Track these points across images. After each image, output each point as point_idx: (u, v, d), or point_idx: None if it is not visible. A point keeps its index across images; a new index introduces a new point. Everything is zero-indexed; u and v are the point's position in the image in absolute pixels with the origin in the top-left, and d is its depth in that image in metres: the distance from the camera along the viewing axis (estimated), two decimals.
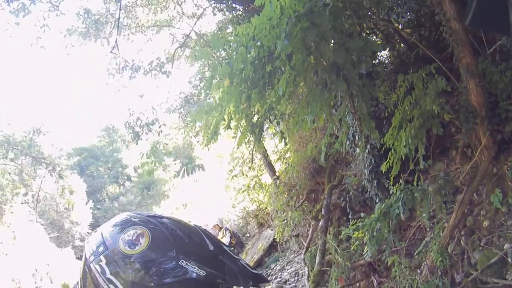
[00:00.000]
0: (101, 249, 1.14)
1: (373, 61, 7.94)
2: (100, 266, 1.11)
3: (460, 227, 6.39)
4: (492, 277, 5.83)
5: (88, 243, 1.22)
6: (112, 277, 1.09)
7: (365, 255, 6.80)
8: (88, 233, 31.17)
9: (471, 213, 6.47)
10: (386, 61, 9.12)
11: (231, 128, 6.72)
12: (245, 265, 1.27)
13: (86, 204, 31.39)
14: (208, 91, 5.86)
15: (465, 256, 6.32)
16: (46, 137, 13.48)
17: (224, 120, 6.31)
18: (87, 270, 1.17)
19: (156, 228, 1.15)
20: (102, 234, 1.20)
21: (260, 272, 1.18)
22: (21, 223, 15.17)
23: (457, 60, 5.98)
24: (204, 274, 1.09)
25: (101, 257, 1.13)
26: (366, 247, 6.48)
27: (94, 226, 32.92)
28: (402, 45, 8.15)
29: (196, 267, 1.09)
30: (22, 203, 13.39)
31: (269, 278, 14.78)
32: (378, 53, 8.68)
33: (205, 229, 1.33)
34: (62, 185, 11.43)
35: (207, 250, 1.17)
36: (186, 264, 1.09)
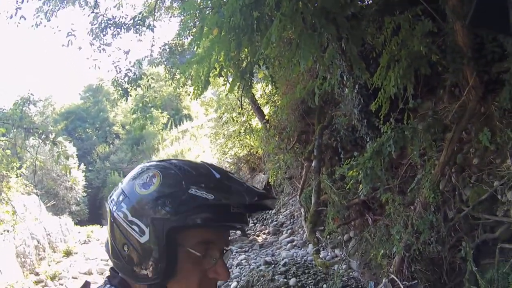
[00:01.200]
0: (121, 198, 1.31)
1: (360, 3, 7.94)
2: (123, 212, 1.28)
3: (450, 164, 6.59)
4: (483, 213, 6.07)
5: (111, 198, 1.35)
6: (134, 219, 1.26)
7: (360, 193, 7.02)
8: (83, 196, 31.49)
9: (461, 151, 6.66)
10: (370, 1, 9.09)
11: (222, 76, 6.81)
12: (252, 186, 1.38)
13: (78, 168, 31.37)
14: (198, 42, 5.88)
15: (456, 193, 6.55)
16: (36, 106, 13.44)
17: (215, 69, 6.39)
18: (113, 221, 1.31)
19: (166, 168, 1.32)
20: (120, 186, 1.35)
21: (264, 192, 1.30)
22: (19, 197, 15.29)
23: (443, 2, 6.04)
24: (212, 198, 1.24)
25: (122, 204, 1.30)
26: (360, 185, 6.68)
27: (88, 187, 33.18)
28: None
29: (205, 193, 1.24)
30: (17, 176, 13.36)
31: (265, 222, 15.14)
32: None
33: (211, 163, 1.42)
34: (58, 151, 11.39)
35: (213, 178, 1.31)
36: (196, 191, 1.24)
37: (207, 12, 6.05)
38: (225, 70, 6.85)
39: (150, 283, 1.30)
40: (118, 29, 13.69)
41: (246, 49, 5.94)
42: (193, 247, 1.28)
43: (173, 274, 1.27)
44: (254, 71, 8.13)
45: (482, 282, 5.58)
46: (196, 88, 6.74)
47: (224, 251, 1.37)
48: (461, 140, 6.59)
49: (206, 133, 25.52)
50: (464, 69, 6.22)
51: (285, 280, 8.72)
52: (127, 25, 13.67)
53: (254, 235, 14.34)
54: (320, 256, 9.53)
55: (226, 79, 6.86)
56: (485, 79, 6.25)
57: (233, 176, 1.40)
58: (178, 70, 13.10)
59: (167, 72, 16.25)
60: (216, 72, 6.42)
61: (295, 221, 13.01)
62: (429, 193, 6.18)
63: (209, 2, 6.19)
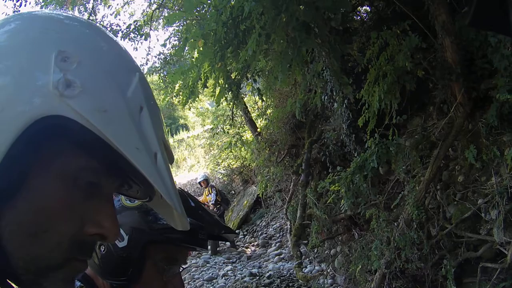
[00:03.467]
0: None
1: (350, 18, 7.93)
2: None
3: (435, 181, 6.50)
4: (466, 231, 5.99)
5: None
6: None
7: (342, 209, 6.96)
8: None
9: (447, 168, 6.58)
10: (366, 18, 9.12)
11: (207, 87, 6.78)
12: (218, 219, 1.60)
13: None
14: (181, 53, 5.92)
15: (440, 210, 6.45)
16: None
17: (201, 80, 6.38)
18: None
19: None
20: None
21: (229, 227, 1.61)
22: None
23: (433, 17, 6.02)
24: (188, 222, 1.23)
25: None
26: (342, 200, 6.62)
27: None
28: (381, 0, 8.13)
29: None
30: None
31: (254, 234, 15.07)
32: (360, 8, 8.69)
33: (187, 191, 1.61)
34: None
35: (189, 205, 1.48)
36: None
37: (195, 24, 6.07)
38: (213, 82, 6.86)
39: (115, 283, 1.45)
40: (115, 36, 13.56)
41: (233, 61, 5.97)
42: (160, 260, 1.44)
43: (138, 279, 1.43)
44: (243, 83, 8.15)
45: None
46: (183, 97, 6.77)
47: (182, 268, 1.55)
48: (447, 157, 6.53)
49: (200, 144, 25.51)
50: (452, 85, 6.15)
51: None
52: (122, 33, 13.69)
53: (243, 246, 14.23)
54: (306, 269, 9.48)
55: (214, 90, 6.85)
56: (473, 95, 6.16)
57: (205, 208, 1.58)
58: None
59: (162, 81, 16.25)
60: (202, 83, 6.41)
61: (284, 234, 12.92)
62: (413, 209, 6.12)
63: (195, 13, 6.21)
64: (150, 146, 0.75)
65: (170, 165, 0.85)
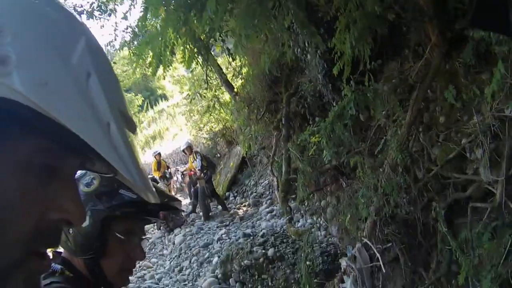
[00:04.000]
0: None
1: None
2: None
3: (417, 124, 6.36)
4: (452, 172, 5.87)
5: None
6: None
7: (325, 159, 6.84)
8: None
9: (427, 110, 6.41)
10: None
11: (175, 54, 6.60)
12: (163, 190, 1.97)
13: None
14: (144, 23, 5.71)
15: (424, 153, 6.32)
16: None
17: (167, 47, 6.17)
18: None
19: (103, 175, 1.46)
20: None
21: (173, 196, 2.26)
22: None
23: None
24: (135, 197, 1.63)
25: None
26: (324, 151, 6.51)
27: None
28: None
29: (130, 193, 1.62)
30: None
31: (245, 195, 15.02)
32: None
33: None
34: None
35: None
36: (124, 192, 1.64)
37: None
38: (181, 47, 6.66)
39: (86, 258, 1.66)
40: (79, 16, 13.21)
41: (199, 24, 5.78)
42: (119, 233, 1.67)
43: (103, 252, 1.66)
44: (213, 45, 7.95)
45: (454, 242, 5.42)
46: (152, 67, 6.61)
47: (142, 239, 1.80)
48: (426, 99, 6.37)
49: (181, 111, 25.21)
50: (426, 27, 5.95)
51: (264, 251, 8.62)
52: (87, 13, 13.30)
53: (235, 208, 14.20)
54: (298, 224, 9.44)
55: (183, 56, 6.66)
56: (448, 36, 5.98)
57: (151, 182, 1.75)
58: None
59: (132, 54, 15.89)
60: (169, 50, 6.20)
61: (273, 191, 12.86)
62: (397, 154, 6.01)
63: None
64: (100, 115, 0.66)
65: (132, 135, 0.77)
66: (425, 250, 6.45)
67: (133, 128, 0.77)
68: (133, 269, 1.80)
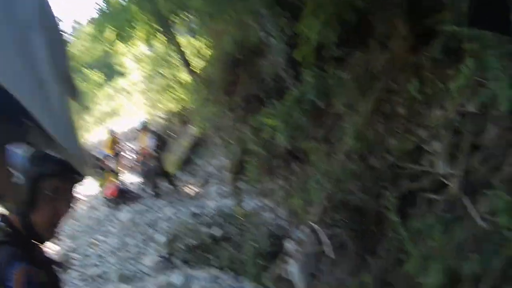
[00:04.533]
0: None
1: None
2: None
3: (377, 114, 6.20)
4: (408, 162, 5.73)
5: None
6: (15, 172, 1.79)
7: (279, 142, 6.62)
8: None
9: (389, 101, 6.21)
10: None
11: (135, 28, 6.25)
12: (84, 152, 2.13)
13: None
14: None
15: (382, 143, 6.15)
16: None
17: (129, 23, 5.88)
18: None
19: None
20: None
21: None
22: None
23: None
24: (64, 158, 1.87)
25: None
26: (279, 134, 6.29)
27: None
28: None
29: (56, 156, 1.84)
30: None
31: (196, 174, 14.69)
32: None
33: None
34: None
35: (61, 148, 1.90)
36: (52, 153, 1.84)
37: None
38: (143, 23, 6.36)
39: (19, 212, 1.82)
40: None
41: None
42: (48, 191, 1.81)
43: (34, 206, 1.80)
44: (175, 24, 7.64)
45: (405, 233, 5.26)
46: (113, 42, 6.31)
47: (70, 196, 1.93)
48: (389, 90, 6.20)
49: (139, 89, 24.67)
50: (394, 18, 5.78)
51: (211, 231, 8.36)
52: None
53: (184, 186, 13.88)
54: (246, 206, 9.20)
55: (144, 32, 6.33)
56: (417, 29, 5.81)
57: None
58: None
59: (96, 31, 15.35)
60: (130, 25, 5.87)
61: (225, 172, 12.59)
62: (354, 141, 5.85)
63: None
64: (39, 74, 0.77)
65: (73, 99, 0.88)
66: (374, 237, 6.31)
67: (74, 94, 0.76)
68: (60, 224, 1.93)
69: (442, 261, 4.83)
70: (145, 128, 14.63)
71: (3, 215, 1.89)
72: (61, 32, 0.66)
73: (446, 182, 5.39)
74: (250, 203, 9.49)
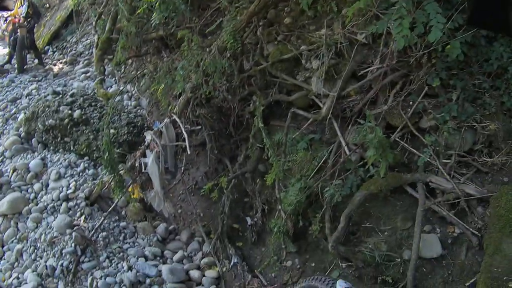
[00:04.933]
0: None
1: None
2: None
3: (259, 16, 5.70)
4: (282, 72, 5.35)
5: None
6: None
7: (153, 23, 6.00)
8: None
9: (275, 7, 5.77)
10: None
11: None
12: None
13: None
14: None
15: (258, 46, 5.78)
16: None
17: None
18: None
19: None
20: None
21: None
22: None
23: None
24: None
25: None
26: (154, 13, 5.67)
27: None
28: None
29: None
30: None
31: (63, 51, 13.61)
32: None
33: None
34: None
35: None
36: None
37: None
38: None
39: None
40: None
41: None
42: None
43: None
44: None
45: (268, 141, 4.88)
46: None
47: None
48: None
49: None
50: None
51: (70, 111, 7.64)
52: None
53: (50, 64, 12.65)
54: (109, 89, 8.55)
55: None
56: None
57: None
58: None
59: None
60: None
61: (93, 52, 11.70)
62: (229, 38, 5.33)
63: None
64: None
65: None
66: (234, 142, 5.99)
67: None
68: None
69: (303, 180, 4.70)
70: None
71: None
72: None
73: (317, 101, 5.09)
74: (114, 87, 8.88)
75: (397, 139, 4.47)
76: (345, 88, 4.76)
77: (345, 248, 4.35)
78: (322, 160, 4.68)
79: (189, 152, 5.48)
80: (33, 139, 7.58)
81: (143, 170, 5.96)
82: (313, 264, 4.79)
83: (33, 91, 9.86)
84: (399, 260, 4.18)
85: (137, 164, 6.06)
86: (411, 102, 4.47)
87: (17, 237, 6.14)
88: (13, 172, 7.06)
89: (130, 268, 5.44)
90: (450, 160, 4.21)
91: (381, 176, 4.14)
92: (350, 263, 4.39)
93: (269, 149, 4.82)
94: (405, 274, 3.99)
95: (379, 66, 4.50)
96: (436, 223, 4.23)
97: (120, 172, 6.05)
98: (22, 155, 7.55)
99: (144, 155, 6.02)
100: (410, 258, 3.98)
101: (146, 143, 6.03)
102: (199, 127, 5.76)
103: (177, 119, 5.54)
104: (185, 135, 5.43)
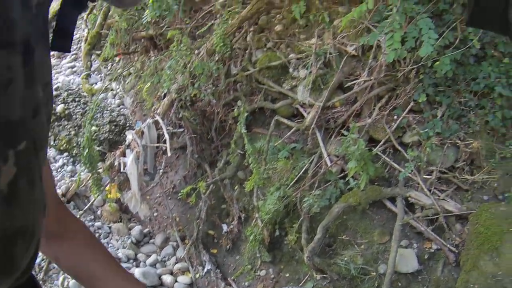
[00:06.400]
0: None
1: None
2: None
3: (251, 22, 5.75)
4: (269, 79, 5.37)
5: None
6: None
7: (144, 20, 6.03)
8: None
9: (267, 13, 5.77)
10: None
11: None
12: None
13: None
14: None
15: (247, 52, 5.78)
16: None
17: None
18: None
19: None
20: None
21: None
22: None
23: None
24: None
25: None
26: (147, 10, 5.71)
27: None
28: None
29: None
30: None
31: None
32: None
33: None
34: None
35: None
36: None
37: None
38: None
39: None
40: None
41: None
42: None
43: None
44: None
45: (250, 148, 4.90)
46: None
47: None
48: (271, 3, 5.77)
49: None
50: None
51: (53, 105, 7.66)
52: None
53: None
54: (95, 86, 8.55)
55: None
56: None
57: None
58: None
59: None
60: None
61: (82, 47, 11.69)
62: (219, 41, 5.43)
63: None
64: None
65: None
66: (215, 147, 6.01)
67: None
68: None
69: (282, 189, 4.72)
70: None
71: None
72: None
73: (301, 110, 5.11)
74: (99, 84, 8.89)
75: (379, 152, 4.46)
76: (330, 99, 4.77)
77: (321, 259, 4.32)
78: (303, 170, 4.68)
79: (169, 154, 5.46)
80: None
81: (122, 170, 5.91)
82: (288, 275, 4.76)
83: None
84: (374, 274, 4.17)
85: (116, 163, 6.03)
86: (395, 117, 4.50)
87: None
88: None
89: None
90: (431, 176, 4.22)
91: (361, 189, 4.14)
92: (324, 275, 4.36)
93: (250, 155, 4.82)
94: None
95: (366, 79, 4.51)
96: (413, 238, 4.24)
97: (99, 170, 6.00)
98: None
99: (124, 154, 5.98)
100: (385, 273, 4.01)
101: (127, 142, 5.99)
102: (181, 129, 5.74)
103: (160, 120, 5.54)
104: (167, 136, 5.43)
